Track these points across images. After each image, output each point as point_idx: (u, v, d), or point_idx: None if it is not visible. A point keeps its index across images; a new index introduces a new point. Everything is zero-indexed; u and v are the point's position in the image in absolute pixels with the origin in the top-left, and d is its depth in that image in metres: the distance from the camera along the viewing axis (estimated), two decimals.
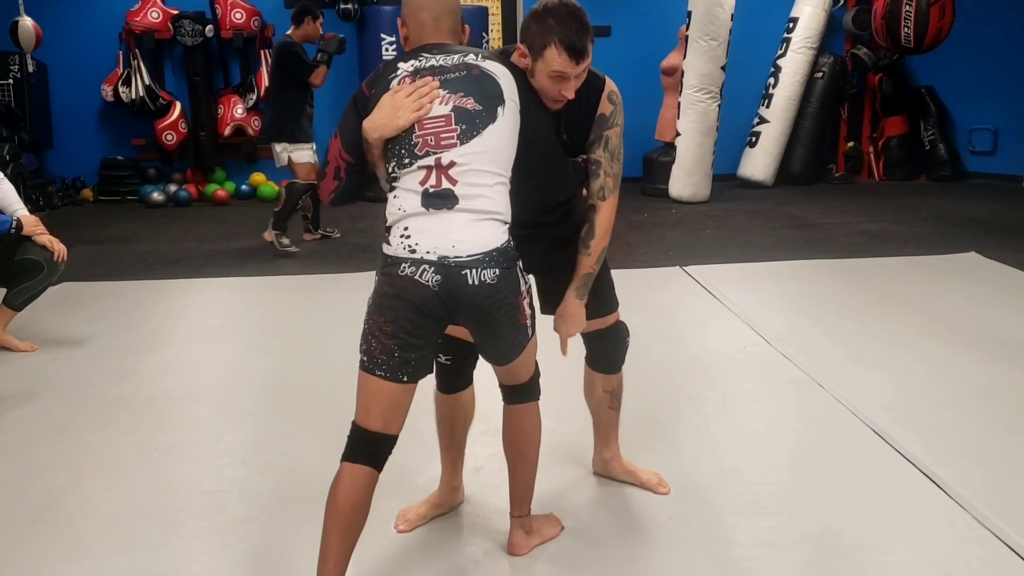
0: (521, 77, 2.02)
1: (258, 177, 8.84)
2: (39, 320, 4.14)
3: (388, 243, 1.86)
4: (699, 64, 7.72)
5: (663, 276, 5.19)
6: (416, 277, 1.80)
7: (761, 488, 2.57)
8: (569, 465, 2.67)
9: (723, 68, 7.78)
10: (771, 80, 8.96)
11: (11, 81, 8.04)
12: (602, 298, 2.40)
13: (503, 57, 2.03)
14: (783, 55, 8.91)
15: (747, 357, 3.70)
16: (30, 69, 8.05)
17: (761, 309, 4.38)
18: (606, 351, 2.46)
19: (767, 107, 8.92)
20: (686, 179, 8.03)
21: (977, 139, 9.12)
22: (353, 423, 1.92)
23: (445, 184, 1.83)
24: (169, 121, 8.51)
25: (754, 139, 9.00)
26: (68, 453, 2.84)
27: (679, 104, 7.99)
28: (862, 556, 2.21)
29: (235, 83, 8.89)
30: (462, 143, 1.85)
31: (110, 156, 8.75)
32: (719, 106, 7.88)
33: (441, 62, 1.92)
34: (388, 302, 1.83)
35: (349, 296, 4.76)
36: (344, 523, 1.85)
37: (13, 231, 3.68)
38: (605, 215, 2.25)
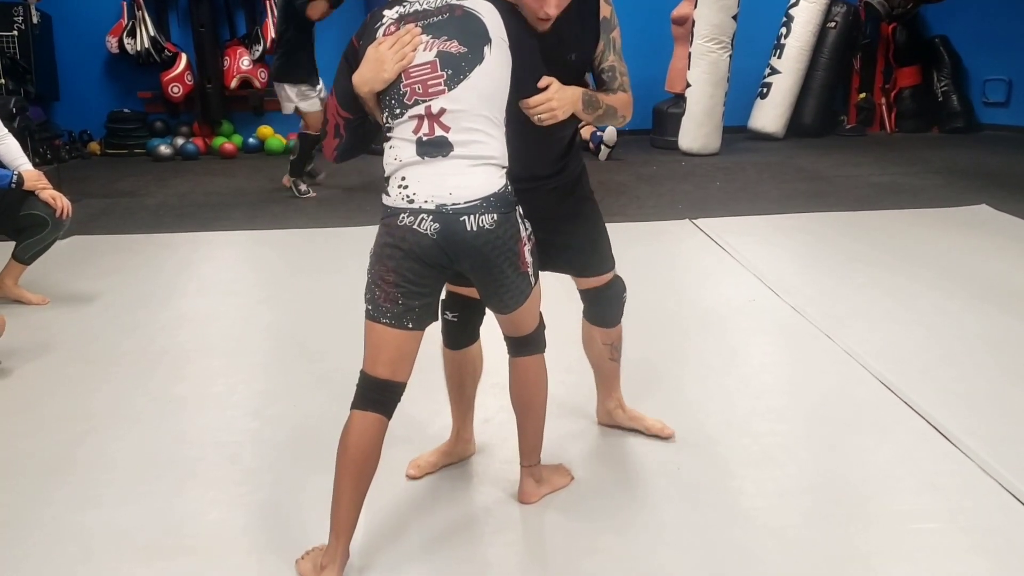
0: (508, 10, 1.97)
1: (265, 130, 8.80)
2: (49, 274, 4.16)
3: (387, 194, 1.87)
4: (710, 13, 7.62)
5: (672, 229, 5.17)
6: (415, 226, 1.81)
7: (769, 439, 2.59)
8: (578, 417, 2.69)
9: (734, 17, 7.67)
10: (783, 30, 8.83)
11: (16, 33, 7.96)
12: (602, 256, 2.41)
13: None
14: (795, 4, 8.77)
15: (756, 310, 3.70)
16: (34, 20, 7.99)
17: (770, 262, 4.37)
18: (604, 307, 2.47)
19: (779, 58, 8.80)
20: (696, 131, 7.96)
21: (991, 90, 9.00)
22: (361, 371, 1.93)
23: (438, 131, 1.83)
24: (175, 73, 8.45)
25: (765, 90, 8.90)
26: (82, 405, 2.87)
27: (689, 55, 7.89)
28: (869, 505, 2.23)
29: (241, 34, 8.81)
30: (450, 88, 1.84)
31: (117, 109, 8.70)
32: (730, 56, 7.79)
33: (424, 6, 1.89)
34: (388, 252, 1.84)
35: (359, 249, 4.75)
36: (355, 470, 1.88)
37: (14, 186, 3.67)
38: (624, 100, 2.19)
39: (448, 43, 1.85)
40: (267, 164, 7.13)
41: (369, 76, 1.87)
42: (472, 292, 2.08)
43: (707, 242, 4.81)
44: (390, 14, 1.90)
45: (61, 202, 3.77)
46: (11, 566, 2.01)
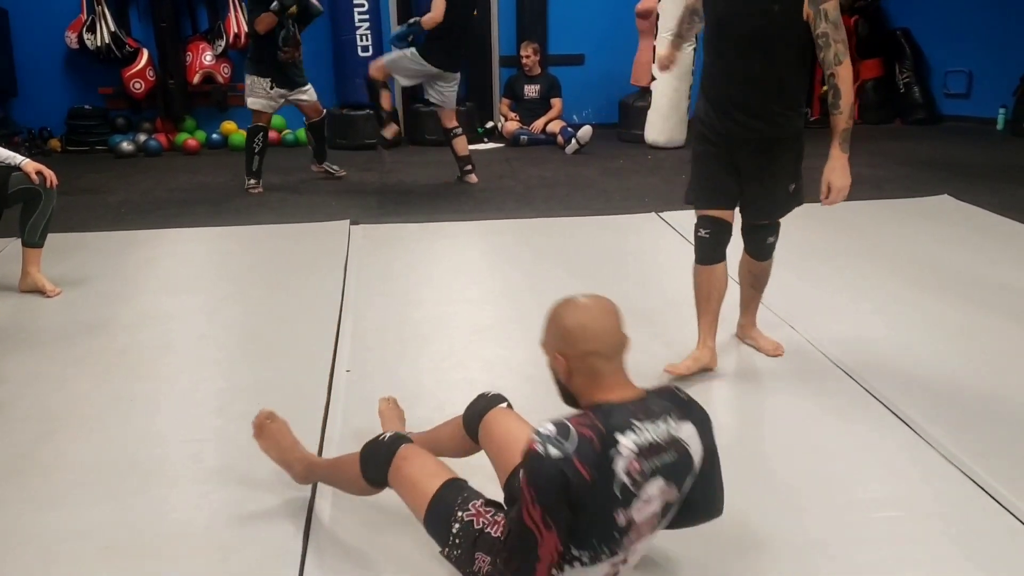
0: None
1: (229, 126, 8.69)
2: (10, 274, 4.09)
3: None
4: (674, 7, 7.59)
5: (639, 223, 5.19)
6: None
7: (732, 428, 2.61)
8: None
9: None
10: None
11: None
12: (784, 205, 3.02)
13: (692, 408, 1.76)
14: None
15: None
16: None
17: (735, 255, 4.38)
18: (760, 242, 3.06)
19: None
20: (662, 124, 7.98)
21: (952, 82, 9.12)
22: None
23: (619, 570, 1.72)
24: (136, 69, 8.32)
25: None
26: (42, 405, 2.83)
27: (654, 48, 7.91)
28: (833, 493, 2.26)
29: (203, 29, 8.70)
30: (653, 532, 1.73)
31: (77, 105, 8.56)
32: (695, 50, 7.81)
33: (654, 435, 1.62)
34: None
35: (323, 245, 4.75)
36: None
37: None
38: (844, 76, 2.67)
39: (670, 491, 1.68)
40: (231, 160, 7.02)
41: None
42: (725, 215, 2.92)
43: (673, 235, 4.82)
44: (626, 443, 1.58)
45: (47, 173, 3.89)
46: None
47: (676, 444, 1.65)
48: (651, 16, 8.05)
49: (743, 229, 3.08)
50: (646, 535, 1.70)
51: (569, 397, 1.74)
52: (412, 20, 5.84)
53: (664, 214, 5.22)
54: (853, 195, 5.80)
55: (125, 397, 2.89)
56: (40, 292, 3.91)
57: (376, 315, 3.63)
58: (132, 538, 2.09)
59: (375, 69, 6.15)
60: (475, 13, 6.23)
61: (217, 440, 2.58)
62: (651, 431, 1.62)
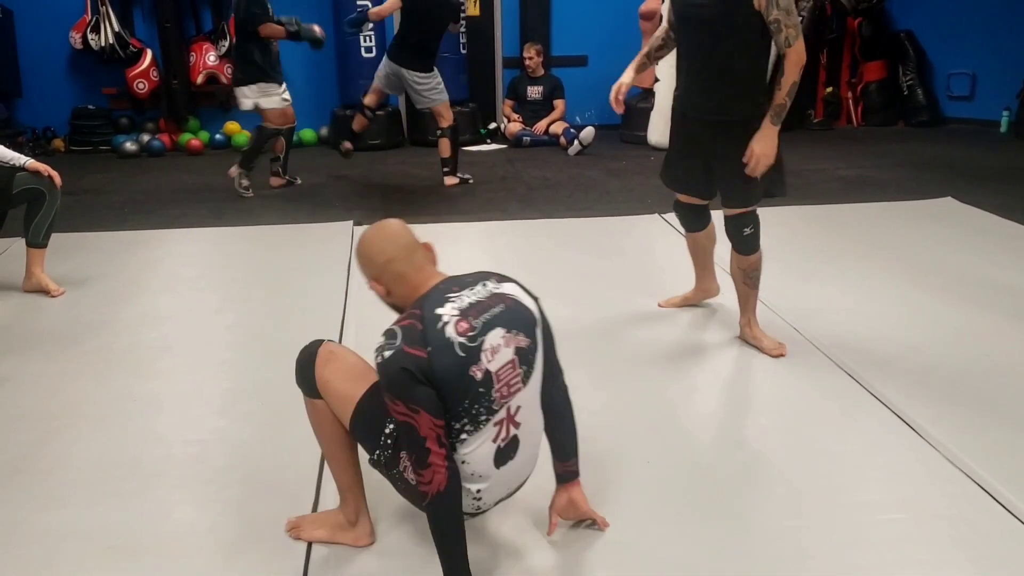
0: None
1: (232, 126, 8.71)
2: (13, 274, 4.10)
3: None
4: None
5: (642, 224, 5.19)
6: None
7: (738, 430, 2.61)
8: None
9: None
10: None
11: None
12: (749, 191, 3.07)
13: (511, 278, 1.92)
14: None
15: (724, 303, 3.72)
16: None
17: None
18: (736, 233, 3.15)
19: None
20: (665, 126, 7.83)
21: (955, 84, 9.11)
22: None
23: (512, 431, 1.82)
24: (140, 69, 8.34)
25: None
26: (46, 404, 2.84)
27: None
28: (837, 495, 2.25)
29: (207, 30, 8.71)
30: (524, 384, 1.82)
31: (81, 105, 8.59)
32: None
33: (473, 297, 1.78)
34: None
35: (326, 245, 4.75)
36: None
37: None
38: (793, 59, 2.82)
39: (518, 337, 1.79)
40: (234, 160, 7.03)
41: None
42: (692, 200, 3.30)
43: (676, 236, 4.81)
44: (446, 311, 1.73)
45: (51, 173, 3.92)
46: None
47: (502, 298, 1.81)
48: (655, 17, 8.04)
49: (724, 221, 3.21)
50: (515, 386, 1.79)
51: (400, 312, 1.88)
52: (362, 7, 6.03)
53: (667, 215, 5.21)
54: (856, 197, 5.86)
55: (128, 397, 2.89)
56: (44, 292, 3.92)
57: (380, 316, 3.61)
58: (135, 538, 2.09)
59: (369, 98, 6.42)
60: (450, 23, 6.22)
61: (220, 440, 2.58)
62: (468, 296, 1.78)
